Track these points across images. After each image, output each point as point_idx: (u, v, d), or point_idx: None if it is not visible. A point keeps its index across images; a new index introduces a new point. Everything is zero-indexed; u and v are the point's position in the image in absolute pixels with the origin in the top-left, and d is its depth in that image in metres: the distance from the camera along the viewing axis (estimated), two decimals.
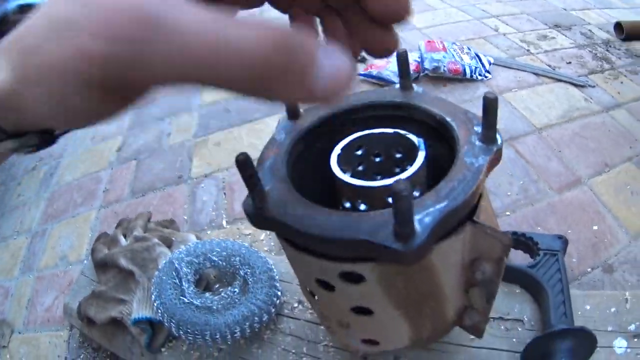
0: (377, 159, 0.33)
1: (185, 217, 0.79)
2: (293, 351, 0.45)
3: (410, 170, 0.27)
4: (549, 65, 1.03)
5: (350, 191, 0.28)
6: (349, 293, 0.28)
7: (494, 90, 0.96)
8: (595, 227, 0.60)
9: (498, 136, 0.26)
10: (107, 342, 0.57)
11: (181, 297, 0.48)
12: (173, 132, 1.09)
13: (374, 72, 1.04)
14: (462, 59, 1.04)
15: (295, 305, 0.50)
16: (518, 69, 1.02)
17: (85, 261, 0.78)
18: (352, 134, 0.32)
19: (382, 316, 0.30)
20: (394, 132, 0.30)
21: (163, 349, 0.51)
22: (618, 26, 1.13)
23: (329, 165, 0.30)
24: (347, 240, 0.23)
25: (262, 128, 1.00)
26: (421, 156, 0.28)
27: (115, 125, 1.26)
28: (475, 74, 1.00)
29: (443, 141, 0.30)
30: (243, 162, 0.24)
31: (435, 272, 0.27)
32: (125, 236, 0.64)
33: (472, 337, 0.41)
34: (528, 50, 1.12)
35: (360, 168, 0.33)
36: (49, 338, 0.67)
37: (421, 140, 0.29)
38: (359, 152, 0.32)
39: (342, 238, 0.23)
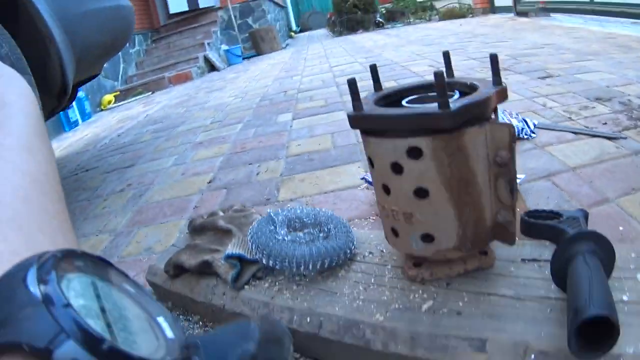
0: None
1: None
2: (363, 282, 0.59)
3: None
4: (586, 127, 1.20)
5: None
6: (412, 172, 0.45)
7: (537, 144, 1.14)
8: (620, 228, 0.72)
9: (504, 81, 0.45)
10: (189, 290, 0.69)
11: (274, 235, 0.65)
12: (262, 173, 1.34)
13: None
14: (510, 121, 1.24)
15: (366, 254, 0.65)
16: (559, 130, 1.20)
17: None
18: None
19: (436, 198, 0.46)
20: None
21: (246, 286, 0.64)
22: None
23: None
24: (412, 114, 0.41)
25: (341, 171, 1.22)
26: (456, 95, 0.47)
27: (207, 166, 1.54)
28: (522, 133, 1.20)
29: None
30: (353, 81, 0.45)
31: (469, 156, 0.44)
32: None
33: (511, 268, 0.53)
34: (570, 118, 1.31)
35: None
36: None
37: (457, 91, 0.49)
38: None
39: (409, 114, 0.42)
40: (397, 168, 0.46)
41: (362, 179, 1.07)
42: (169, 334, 0.24)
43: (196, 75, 5.17)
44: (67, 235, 0.30)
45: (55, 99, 1.27)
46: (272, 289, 0.63)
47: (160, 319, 0.25)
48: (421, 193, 0.46)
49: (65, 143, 2.92)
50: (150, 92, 4.70)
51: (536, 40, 3.13)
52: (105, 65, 4.58)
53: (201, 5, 6.36)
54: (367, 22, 8.08)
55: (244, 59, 6.02)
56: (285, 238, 0.64)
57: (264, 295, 0.62)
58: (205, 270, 0.68)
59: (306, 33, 10.72)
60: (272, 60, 5.38)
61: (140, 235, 1.11)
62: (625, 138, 1.08)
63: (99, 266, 0.24)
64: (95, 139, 2.77)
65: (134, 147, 2.19)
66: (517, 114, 1.30)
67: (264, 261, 0.62)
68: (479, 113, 0.43)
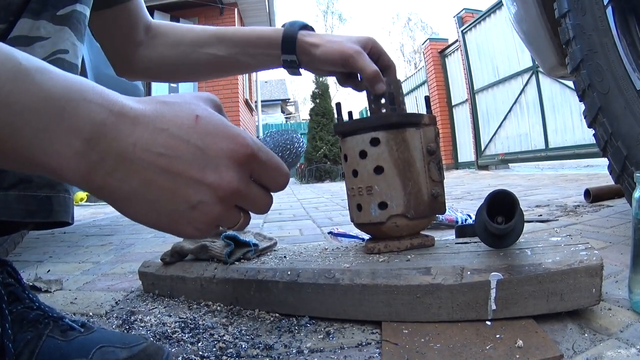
0: None
1: None
2: (332, 256, 0.80)
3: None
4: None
5: None
6: (373, 155, 0.73)
7: None
8: None
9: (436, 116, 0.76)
10: (182, 271, 0.86)
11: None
12: None
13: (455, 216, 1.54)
14: (455, 214, 1.55)
15: (334, 248, 0.87)
16: None
17: None
18: None
19: (388, 173, 0.72)
20: None
21: (237, 262, 0.83)
22: (587, 192, 1.66)
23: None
24: (373, 118, 0.71)
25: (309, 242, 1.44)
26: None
27: None
28: (465, 222, 1.50)
29: None
30: (338, 104, 0.75)
31: (409, 146, 0.72)
32: None
33: (448, 244, 0.77)
34: None
35: None
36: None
37: None
38: None
39: (371, 118, 0.71)
40: (363, 154, 0.74)
41: (329, 232, 1.31)
42: None
43: None
44: None
45: None
46: (258, 262, 0.83)
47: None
48: (378, 170, 0.73)
49: None
50: None
51: (492, 182, 3.68)
52: None
53: None
54: (335, 173, 8.95)
55: None
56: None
57: (252, 265, 0.81)
58: (202, 254, 0.88)
59: None
60: None
61: (125, 265, 1.27)
62: (557, 220, 1.39)
63: None
64: None
65: (111, 226, 2.36)
66: (462, 210, 1.62)
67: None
68: (416, 121, 0.73)
